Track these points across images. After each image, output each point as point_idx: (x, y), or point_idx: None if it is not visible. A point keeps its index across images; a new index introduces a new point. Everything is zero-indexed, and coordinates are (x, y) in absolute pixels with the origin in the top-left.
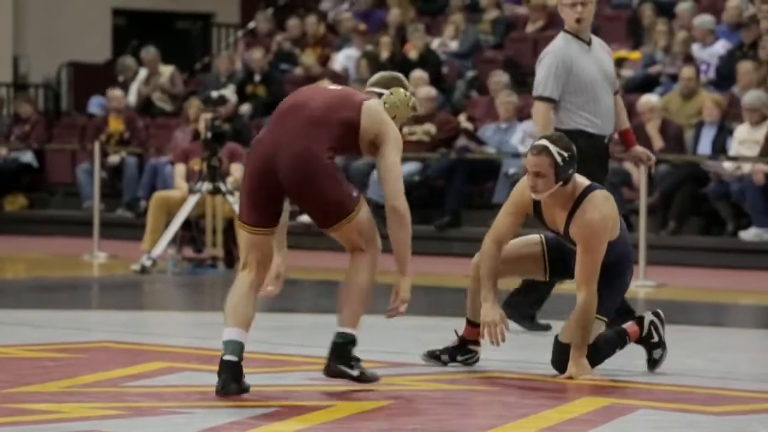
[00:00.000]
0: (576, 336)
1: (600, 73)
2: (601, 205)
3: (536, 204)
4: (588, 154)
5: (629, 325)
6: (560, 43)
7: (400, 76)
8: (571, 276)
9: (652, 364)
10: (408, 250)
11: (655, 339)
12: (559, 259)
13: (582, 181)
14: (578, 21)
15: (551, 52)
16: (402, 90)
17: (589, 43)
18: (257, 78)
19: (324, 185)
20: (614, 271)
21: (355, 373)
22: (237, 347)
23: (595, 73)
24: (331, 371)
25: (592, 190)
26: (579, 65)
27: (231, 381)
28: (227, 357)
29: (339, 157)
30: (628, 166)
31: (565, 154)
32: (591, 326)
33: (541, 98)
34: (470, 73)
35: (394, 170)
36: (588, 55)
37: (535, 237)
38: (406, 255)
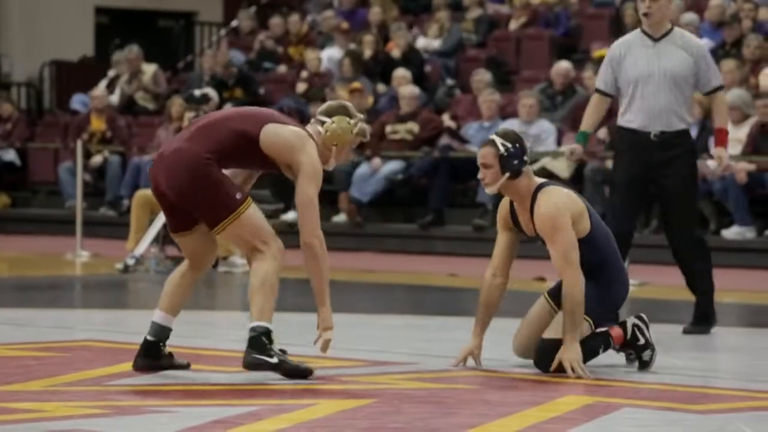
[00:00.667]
0: (566, 321)
1: (657, 69)
2: (556, 196)
3: (514, 215)
4: (625, 148)
5: (612, 328)
6: (623, 37)
7: (347, 105)
8: None
9: (643, 365)
10: (324, 283)
11: (641, 341)
12: None
13: (537, 180)
14: (645, 15)
15: (611, 46)
16: (346, 118)
17: (658, 38)
18: (231, 82)
19: (198, 184)
20: (600, 274)
21: (273, 360)
22: (156, 328)
23: (648, 70)
24: (248, 362)
25: (546, 186)
26: (630, 60)
27: (139, 356)
28: (147, 336)
29: (236, 167)
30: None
31: (509, 145)
32: (579, 310)
33: (595, 89)
34: (450, 82)
35: (309, 204)
36: (648, 51)
37: (539, 299)
38: (322, 288)
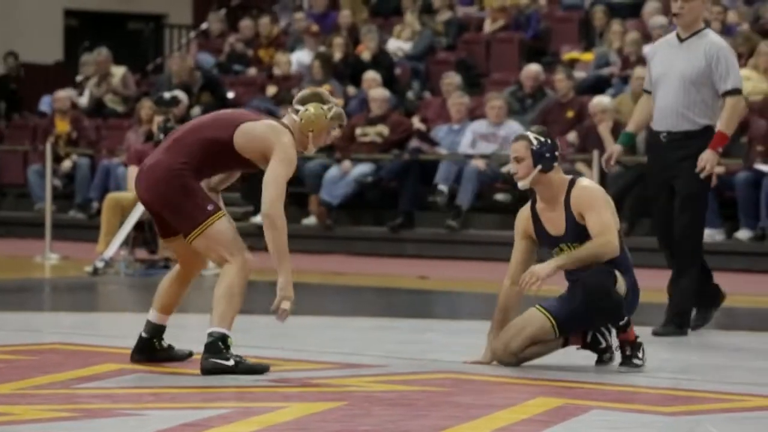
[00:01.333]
0: (578, 251)
1: (672, 70)
2: (591, 182)
3: (536, 221)
4: (646, 147)
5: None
6: (661, 38)
7: (321, 91)
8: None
9: (627, 361)
10: (280, 251)
11: (640, 352)
12: (562, 314)
13: (567, 176)
14: (675, 15)
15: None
16: (318, 105)
17: (684, 39)
18: (196, 88)
19: (172, 193)
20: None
21: (230, 363)
22: (149, 326)
23: (668, 69)
24: (205, 367)
25: (578, 178)
26: (656, 60)
27: (135, 351)
28: (141, 332)
29: (213, 175)
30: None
31: (542, 139)
32: (591, 257)
33: (643, 89)
34: (410, 95)
35: (274, 181)
36: (673, 51)
37: (530, 309)
38: (281, 255)
